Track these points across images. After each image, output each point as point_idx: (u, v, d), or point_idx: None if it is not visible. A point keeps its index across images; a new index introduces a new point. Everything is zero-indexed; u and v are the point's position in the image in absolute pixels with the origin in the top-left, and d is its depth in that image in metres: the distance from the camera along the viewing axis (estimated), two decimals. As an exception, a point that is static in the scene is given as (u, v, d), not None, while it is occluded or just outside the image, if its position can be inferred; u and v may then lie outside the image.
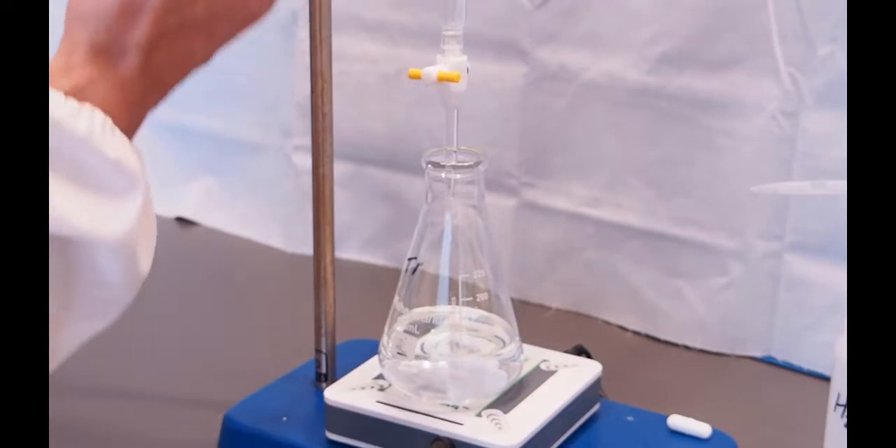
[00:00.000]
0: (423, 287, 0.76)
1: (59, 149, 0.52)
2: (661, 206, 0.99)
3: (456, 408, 0.76)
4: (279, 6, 0.63)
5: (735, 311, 0.98)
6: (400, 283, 0.77)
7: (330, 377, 0.85)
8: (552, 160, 1.04)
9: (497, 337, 0.77)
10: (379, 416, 0.76)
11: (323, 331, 0.85)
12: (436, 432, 0.74)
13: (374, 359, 0.80)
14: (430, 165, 0.75)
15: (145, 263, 0.57)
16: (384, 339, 0.78)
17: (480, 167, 0.75)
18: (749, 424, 0.87)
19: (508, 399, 0.77)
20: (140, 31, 0.57)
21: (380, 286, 0.93)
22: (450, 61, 0.73)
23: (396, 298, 0.77)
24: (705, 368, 0.96)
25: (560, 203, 1.04)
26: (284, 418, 0.81)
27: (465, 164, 0.75)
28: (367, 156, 1.13)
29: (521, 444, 0.73)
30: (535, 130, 1.04)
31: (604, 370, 0.82)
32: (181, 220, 1.25)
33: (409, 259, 0.76)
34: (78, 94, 0.54)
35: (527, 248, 1.07)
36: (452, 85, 0.73)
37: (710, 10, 0.92)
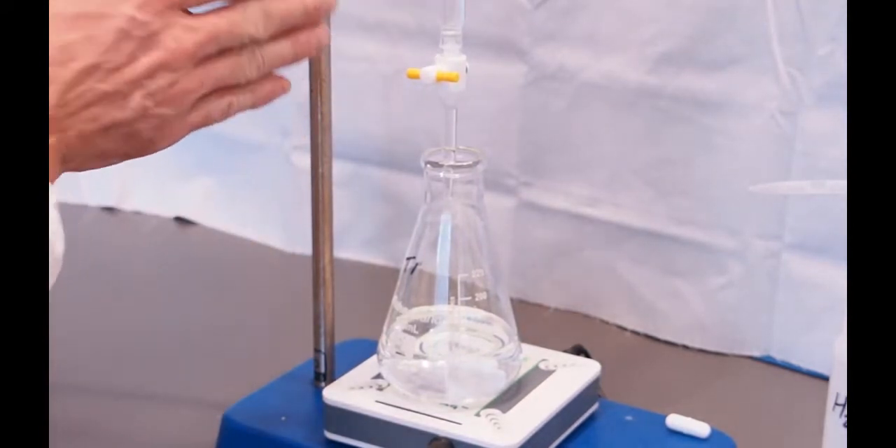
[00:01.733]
0: (422, 287, 0.76)
1: None
2: (660, 205, 0.99)
3: (455, 407, 0.76)
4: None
5: (734, 311, 0.98)
6: (399, 283, 0.77)
7: (329, 377, 0.85)
8: (551, 160, 1.04)
9: (496, 336, 0.77)
10: (378, 416, 0.76)
11: (322, 330, 0.85)
12: (434, 432, 0.74)
13: (373, 358, 0.80)
14: (428, 165, 0.75)
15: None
16: (383, 338, 0.78)
17: (479, 167, 0.75)
18: (748, 424, 0.87)
19: (507, 399, 0.77)
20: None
21: (379, 286, 0.93)
22: (448, 61, 0.73)
23: (395, 298, 0.77)
24: (704, 368, 0.96)
25: (559, 203, 1.04)
26: (283, 418, 0.81)
27: (464, 163, 0.75)
28: (366, 155, 1.13)
29: (519, 444, 0.73)
30: (534, 130, 1.04)
31: (602, 370, 0.82)
32: (180, 220, 1.25)
33: (408, 258, 0.76)
34: None
35: (526, 247, 1.07)
36: (451, 85, 0.73)
37: (710, 10, 0.92)
